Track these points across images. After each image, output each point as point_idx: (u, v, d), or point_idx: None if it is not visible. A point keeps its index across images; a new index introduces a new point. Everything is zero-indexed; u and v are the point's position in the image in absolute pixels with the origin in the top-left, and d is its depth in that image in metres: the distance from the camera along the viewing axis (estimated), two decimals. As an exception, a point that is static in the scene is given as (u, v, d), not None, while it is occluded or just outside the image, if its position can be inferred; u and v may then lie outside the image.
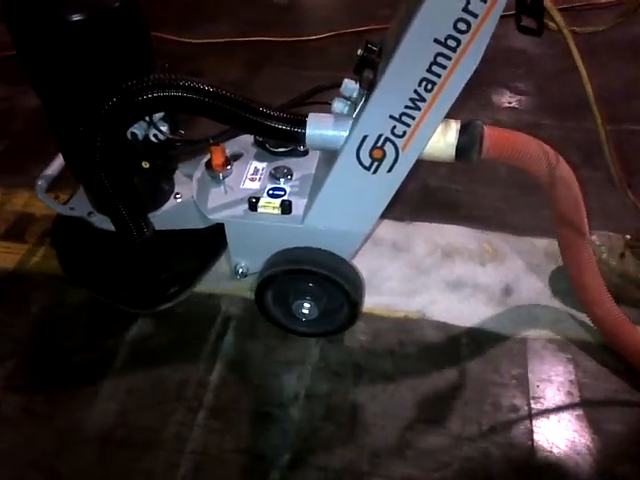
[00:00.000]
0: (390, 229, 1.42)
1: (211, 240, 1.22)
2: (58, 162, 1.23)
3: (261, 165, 1.19)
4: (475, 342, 1.19)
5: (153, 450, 1.03)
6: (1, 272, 1.35)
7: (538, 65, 2.00)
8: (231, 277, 1.25)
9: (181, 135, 1.10)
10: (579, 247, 1.10)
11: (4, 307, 1.27)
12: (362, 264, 1.28)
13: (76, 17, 0.89)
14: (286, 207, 1.08)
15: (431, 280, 1.31)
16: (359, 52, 0.91)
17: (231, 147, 1.20)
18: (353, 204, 1.03)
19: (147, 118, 1.01)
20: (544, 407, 1.09)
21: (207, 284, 1.30)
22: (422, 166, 0.99)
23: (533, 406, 1.09)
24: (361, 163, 0.97)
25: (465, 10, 0.80)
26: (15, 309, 1.26)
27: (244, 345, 1.19)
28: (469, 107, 1.80)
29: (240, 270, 1.18)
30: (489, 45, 0.83)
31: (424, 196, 1.51)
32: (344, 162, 0.98)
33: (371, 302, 1.26)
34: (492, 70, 1.93)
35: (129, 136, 1.02)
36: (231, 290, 1.28)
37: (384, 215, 1.07)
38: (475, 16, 0.80)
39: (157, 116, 1.04)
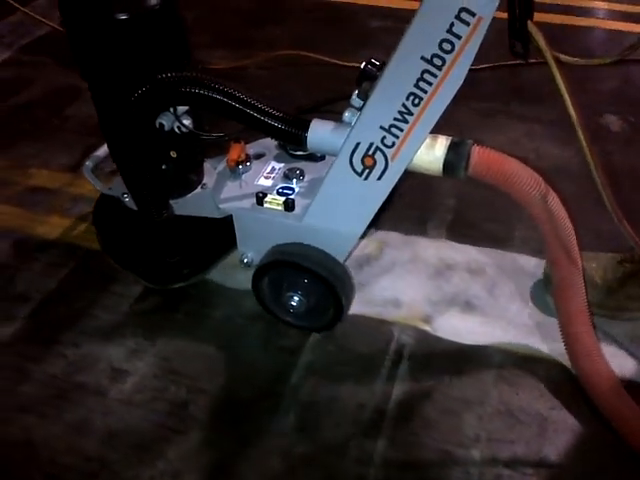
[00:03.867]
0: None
1: (229, 231, 1.31)
2: (106, 145, 1.37)
3: (278, 165, 1.31)
4: None
5: (336, 471, 1.06)
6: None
7: None
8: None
9: (205, 130, 1.23)
10: (569, 292, 1.07)
11: (187, 308, 1.35)
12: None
13: (122, 16, 1.05)
14: (289, 205, 1.19)
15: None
16: (362, 65, 1.02)
17: (255, 147, 1.35)
18: (346, 207, 1.13)
19: (172, 110, 1.15)
20: None
21: (374, 309, 1.32)
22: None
23: None
24: (354, 169, 1.07)
25: (449, 31, 0.90)
26: (199, 315, 1.33)
27: (419, 377, 1.21)
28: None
29: (245, 260, 1.29)
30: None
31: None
32: (339, 166, 1.08)
33: (551, 350, 1.23)
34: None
35: (157, 126, 1.16)
36: (402, 318, 1.27)
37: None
38: (459, 37, 0.90)
39: (182, 110, 1.17)
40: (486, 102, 1.96)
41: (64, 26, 1.10)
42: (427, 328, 1.28)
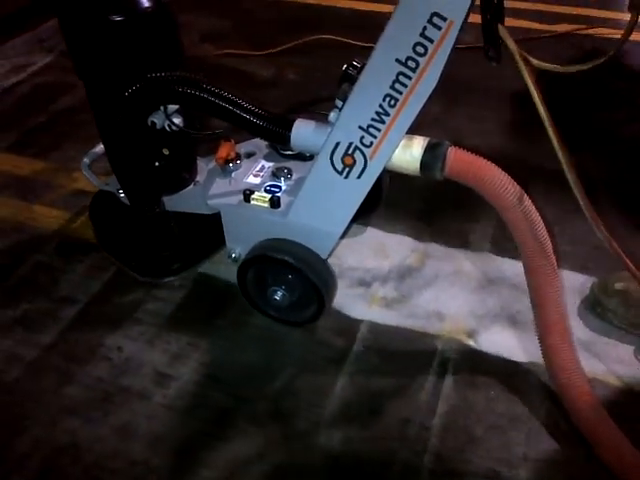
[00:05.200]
0: None
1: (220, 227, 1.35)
2: None
3: (268, 164, 1.35)
4: None
5: (383, 487, 1.03)
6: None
7: None
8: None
9: (196, 129, 1.27)
10: (546, 302, 1.05)
11: (229, 315, 1.36)
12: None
13: (117, 17, 1.10)
14: (274, 202, 1.23)
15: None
16: (343, 67, 1.06)
17: (247, 146, 1.39)
18: (327, 204, 1.17)
19: (162, 108, 1.20)
20: None
21: (417, 321, 1.32)
22: None
23: None
24: (334, 167, 1.12)
25: (422, 35, 0.94)
26: (240, 323, 1.34)
27: (464, 392, 1.20)
28: None
29: (233, 255, 1.33)
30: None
31: None
32: (320, 165, 1.13)
33: (601, 371, 1.21)
34: None
35: (149, 124, 1.20)
36: (446, 332, 1.27)
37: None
38: (431, 41, 0.94)
39: (172, 109, 1.21)
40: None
41: (61, 28, 1.16)
42: (471, 343, 1.27)
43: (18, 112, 2.07)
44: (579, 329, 1.28)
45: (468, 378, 1.21)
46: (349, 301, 1.37)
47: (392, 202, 1.60)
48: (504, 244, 1.48)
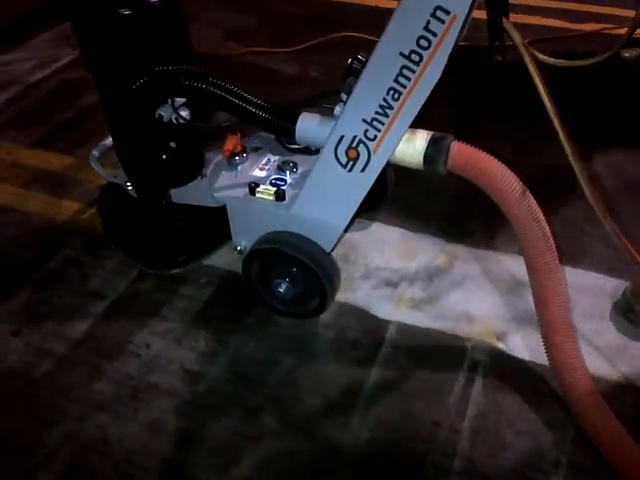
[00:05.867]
0: None
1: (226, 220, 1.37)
2: None
3: (274, 157, 1.35)
4: None
5: (413, 487, 1.03)
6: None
7: None
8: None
9: (204, 122, 1.29)
10: (549, 300, 1.05)
11: (258, 314, 1.36)
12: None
13: (125, 11, 1.11)
14: (279, 195, 1.25)
15: None
16: (348, 61, 1.06)
17: (254, 140, 1.39)
18: (331, 198, 1.18)
19: (170, 101, 1.21)
20: None
21: (446, 323, 1.31)
22: None
23: None
24: (338, 161, 1.13)
25: (426, 29, 0.95)
26: (269, 322, 1.33)
27: (494, 395, 1.19)
28: None
29: (239, 248, 1.34)
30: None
31: None
32: (324, 158, 1.14)
33: (633, 376, 1.20)
34: None
35: (157, 117, 1.21)
36: (476, 334, 1.26)
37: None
38: (435, 35, 0.95)
39: (180, 102, 1.22)
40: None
41: (71, 23, 1.17)
42: (501, 345, 1.26)
43: (44, 108, 2.12)
44: (611, 333, 1.27)
45: (498, 382, 1.20)
46: (376, 302, 1.36)
47: (418, 203, 1.60)
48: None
